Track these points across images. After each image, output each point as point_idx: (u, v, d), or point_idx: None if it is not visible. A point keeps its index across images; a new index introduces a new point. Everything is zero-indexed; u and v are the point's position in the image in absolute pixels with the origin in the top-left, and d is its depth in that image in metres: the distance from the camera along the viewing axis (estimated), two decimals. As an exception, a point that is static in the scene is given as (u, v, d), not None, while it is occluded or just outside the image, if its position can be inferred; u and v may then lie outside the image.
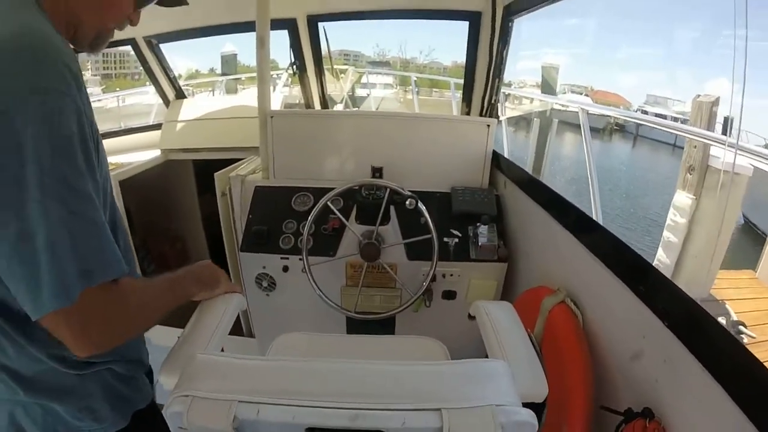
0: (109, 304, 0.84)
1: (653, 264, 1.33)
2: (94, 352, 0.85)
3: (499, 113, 2.74)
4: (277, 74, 5.97)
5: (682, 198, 5.25)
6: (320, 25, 3.36)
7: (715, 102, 5.50)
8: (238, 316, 2.75)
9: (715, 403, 0.98)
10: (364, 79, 10.58)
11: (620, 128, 19.28)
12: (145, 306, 0.98)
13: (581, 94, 19.21)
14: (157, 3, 1.09)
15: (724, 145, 4.26)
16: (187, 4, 1.14)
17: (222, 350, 1.52)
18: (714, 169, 5.01)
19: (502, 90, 2.72)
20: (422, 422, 0.79)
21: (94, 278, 0.80)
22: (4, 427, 1.01)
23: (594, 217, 1.74)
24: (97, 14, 0.95)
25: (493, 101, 2.63)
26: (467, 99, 2.87)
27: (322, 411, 0.81)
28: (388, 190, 2.06)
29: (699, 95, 5.74)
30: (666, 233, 5.36)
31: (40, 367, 0.95)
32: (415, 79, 10.47)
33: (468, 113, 2.87)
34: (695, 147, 5.11)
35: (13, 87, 0.74)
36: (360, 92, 9.92)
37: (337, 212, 2.12)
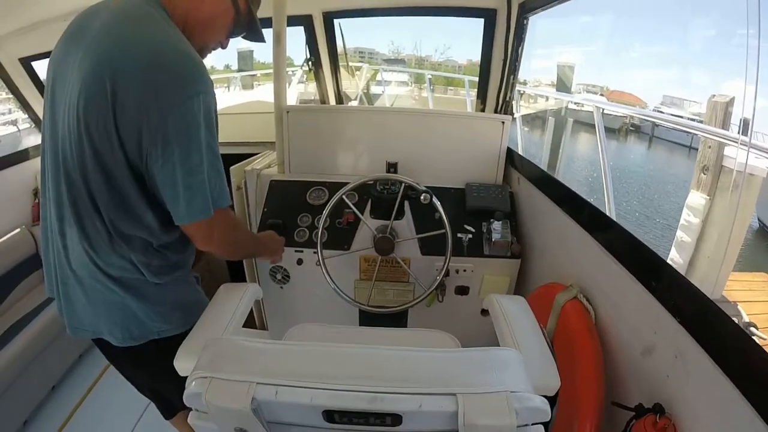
0: (226, 220, 1.35)
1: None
2: (212, 250, 1.37)
3: (514, 110, 2.73)
4: (293, 71, 5.96)
5: (696, 198, 5.21)
6: (336, 21, 3.37)
7: (730, 102, 5.45)
8: (252, 309, 2.78)
9: (726, 400, 0.98)
10: (378, 77, 10.54)
11: (636, 129, 19.13)
12: (242, 235, 1.63)
13: (597, 94, 19.09)
14: (242, 37, 1.52)
15: (737, 143, 4.21)
16: (263, 41, 1.55)
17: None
18: (728, 170, 4.98)
19: (516, 88, 2.72)
20: (438, 406, 0.81)
21: (222, 203, 1.29)
22: (113, 322, 1.39)
23: (607, 214, 1.73)
24: (203, 35, 1.34)
25: (507, 98, 2.63)
26: (482, 96, 2.87)
27: (340, 394, 0.83)
28: (403, 185, 2.07)
29: (714, 95, 5.68)
30: (679, 233, 5.32)
31: (131, 276, 1.34)
32: (430, 77, 10.44)
33: (483, 110, 2.88)
34: (709, 147, 5.08)
35: (194, 88, 1.16)
36: (375, 90, 9.88)
37: (352, 206, 2.12)
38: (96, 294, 1.35)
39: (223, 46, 1.46)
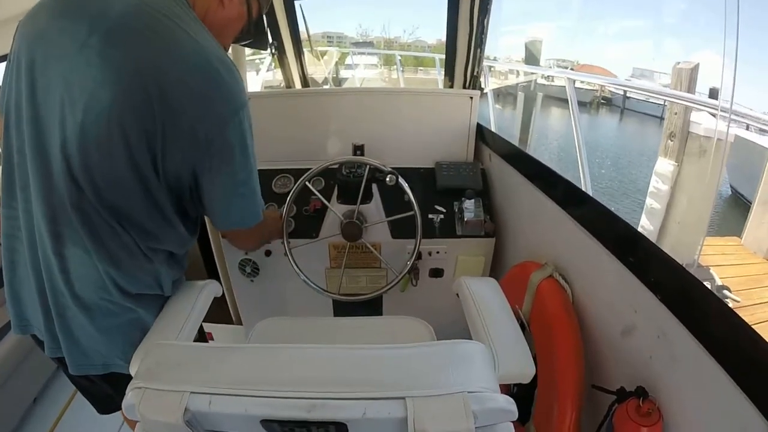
0: (261, 225, 1.37)
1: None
2: (246, 248, 1.86)
3: (483, 85, 2.66)
4: (260, 59, 5.85)
5: (664, 165, 5.33)
6: (297, 3, 3.25)
7: (695, 68, 5.57)
8: (225, 304, 2.70)
9: (711, 380, 0.92)
10: (348, 60, 10.50)
11: (607, 102, 19.25)
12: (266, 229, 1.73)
13: (567, 68, 19.16)
14: (243, 44, 1.66)
15: (717, 110, 4.25)
16: (266, 48, 1.64)
17: (209, 339, 1.48)
18: (695, 135, 5.09)
19: (485, 62, 2.64)
20: (385, 412, 0.73)
21: (263, 206, 1.35)
22: (130, 345, 1.24)
23: (583, 188, 1.68)
24: (215, 38, 1.19)
25: (475, 73, 2.55)
26: (450, 72, 2.78)
27: (276, 401, 0.75)
28: (368, 167, 1.99)
29: (679, 62, 5.81)
30: (649, 200, 5.46)
31: (150, 291, 1.28)
32: (400, 57, 10.45)
33: (451, 86, 2.79)
34: (676, 113, 5.21)
35: (242, 100, 1.14)
36: (344, 74, 9.84)
37: (316, 192, 2.04)
38: (109, 317, 1.21)
39: (226, 49, 1.36)
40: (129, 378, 1.19)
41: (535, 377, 1.09)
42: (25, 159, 1.10)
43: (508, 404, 0.75)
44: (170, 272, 1.32)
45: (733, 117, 4.23)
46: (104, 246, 1.13)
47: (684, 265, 1.05)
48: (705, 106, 4.74)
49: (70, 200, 1.07)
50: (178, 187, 1.18)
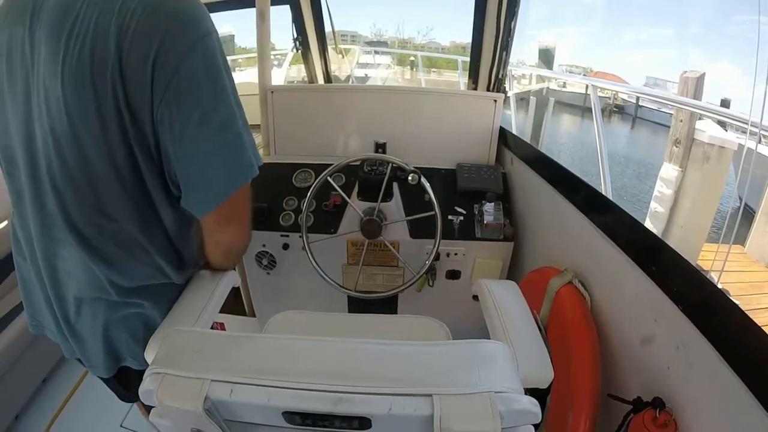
0: (247, 196, 1.11)
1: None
2: (235, 236, 1.16)
3: (507, 88, 2.65)
4: (275, 55, 5.85)
5: (669, 170, 5.45)
6: (323, -1, 3.26)
7: (701, 77, 5.73)
8: (240, 296, 2.71)
9: (731, 395, 0.91)
10: (363, 59, 10.55)
11: (619, 110, 19.05)
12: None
13: (580, 74, 18.95)
14: None
15: (748, 124, 4.31)
16: None
17: (221, 328, 1.46)
18: (699, 142, 5.32)
19: (509, 66, 2.63)
20: (411, 409, 0.72)
21: (260, 161, 1.07)
22: (135, 340, 1.19)
23: (604, 194, 1.67)
24: None
25: (500, 76, 2.54)
26: (474, 74, 2.77)
27: (301, 393, 0.74)
28: (390, 165, 1.99)
29: (686, 71, 6.09)
30: (653, 204, 5.58)
31: (155, 281, 1.16)
32: (415, 58, 10.52)
33: (475, 89, 2.78)
34: (681, 121, 5.35)
35: (205, 27, 0.94)
36: (357, 73, 9.84)
37: (337, 188, 2.04)
38: (110, 313, 1.14)
39: None
40: (138, 373, 1.19)
41: (549, 384, 1.08)
42: (16, 173, 1.06)
43: (533, 406, 0.74)
44: (174, 257, 1.19)
45: (753, 130, 4.29)
46: (93, 245, 1.05)
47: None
48: (739, 121, 4.76)
49: (58, 202, 1.01)
50: (155, 160, 1.02)
